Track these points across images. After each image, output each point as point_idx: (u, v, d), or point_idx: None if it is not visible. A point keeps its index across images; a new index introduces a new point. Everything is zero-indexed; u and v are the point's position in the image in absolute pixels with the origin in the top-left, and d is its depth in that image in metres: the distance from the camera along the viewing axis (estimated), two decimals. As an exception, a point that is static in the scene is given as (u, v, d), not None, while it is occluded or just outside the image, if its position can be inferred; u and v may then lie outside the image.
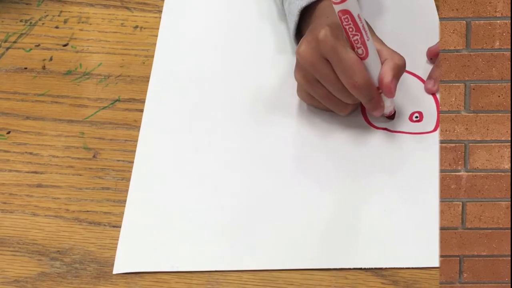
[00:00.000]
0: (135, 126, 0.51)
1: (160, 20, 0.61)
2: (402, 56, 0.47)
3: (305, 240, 0.43)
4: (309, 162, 0.48)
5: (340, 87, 0.45)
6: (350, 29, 0.43)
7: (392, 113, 0.49)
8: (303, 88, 0.49)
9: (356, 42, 0.44)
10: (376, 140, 0.49)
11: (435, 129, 0.49)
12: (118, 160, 0.49)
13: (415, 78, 0.53)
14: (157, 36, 0.59)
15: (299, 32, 0.53)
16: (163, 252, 0.43)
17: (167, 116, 0.52)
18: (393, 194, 0.45)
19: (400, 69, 0.46)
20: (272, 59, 0.56)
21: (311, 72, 0.46)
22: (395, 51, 0.47)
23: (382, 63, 0.46)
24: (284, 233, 0.44)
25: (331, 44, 0.44)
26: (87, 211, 0.46)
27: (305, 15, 0.51)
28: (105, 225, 0.45)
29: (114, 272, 0.42)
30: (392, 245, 0.43)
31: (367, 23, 0.47)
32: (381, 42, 0.48)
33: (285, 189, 0.46)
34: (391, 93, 0.46)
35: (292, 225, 0.44)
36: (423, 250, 0.42)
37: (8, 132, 0.51)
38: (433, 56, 0.56)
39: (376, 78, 0.46)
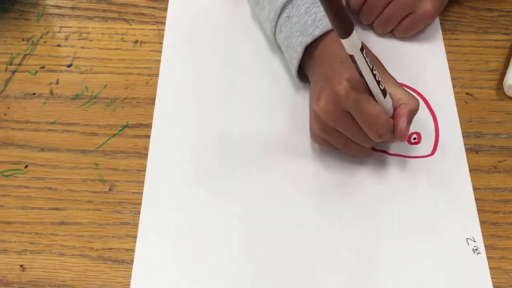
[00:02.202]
0: (145, 154, 0.52)
1: (158, 32, 0.60)
2: (416, 100, 0.45)
3: (306, 270, 0.45)
4: (304, 183, 0.48)
5: (363, 137, 0.44)
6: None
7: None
8: (320, 136, 0.47)
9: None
10: (373, 164, 0.49)
11: (432, 153, 0.49)
12: (134, 193, 0.50)
13: (412, 92, 0.51)
14: (157, 51, 0.58)
15: (300, 67, 0.51)
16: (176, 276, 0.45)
17: (174, 144, 0.51)
18: (389, 223, 0.46)
19: (414, 114, 0.45)
20: (285, 80, 0.55)
21: (332, 125, 0.44)
22: (409, 93, 0.45)
23: (396, 105, 0.44)
24: (289, 264, 0.45)
25: (353, 99, 0.42)
26: (110, 248, 0.47)
27: (307, 50, 0.49)
28: (128, 263, 0.46)
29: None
30: (390, 274, 0.44)
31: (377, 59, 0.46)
32: (394, 81, 0.46)
33: (287, 215, 0.47)
34: (405, 138, 0.44)
35: (294, 256, 0.45)
36: (421, 277, 0.44)
37: (26, 166, 0.52)
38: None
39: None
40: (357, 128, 0.43)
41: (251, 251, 0.46)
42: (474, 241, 0.45)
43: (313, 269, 0.44)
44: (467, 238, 0.45)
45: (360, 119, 0.43)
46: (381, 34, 0.56)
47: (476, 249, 0.45)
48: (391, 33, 0.56)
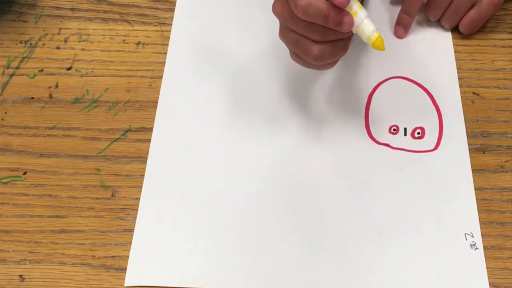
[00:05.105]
0: (149, 158, 0.48)
1: (161, 33, 0.56)
2: None
3: (301, 262, 0.42)
4: (305, 180, 0.45)
5: (300, 22, 0.39)
6: None
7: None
8: (283, 40, 0.43)
9: None
10: (376, 157, 0.46)
11: (435, 148, 0.46)
12: (137, 198, 0.46)
13: (419, 88, 0.49)
14: (160, 53, 0.54)
15: None
16: (172, 270, 0.42)
17: (175, 148, 0.48)
18: (388, 216, 0.43)
19: None
20: (294, 85, 0.51)
21: (282, 23, 0.42)
22: None
23: None
24: (287, 256, 0.42)
25: None
26: (113, 256, 0.43)
27: None
28: (131, 271, 0.43)
29: (126, 284, 0.42)
30: (387, 266, 0.42)
31: None
32: None
33: (287, 210, 0.44)
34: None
35: (292, 249, 0.43)
36: (418, 270, 0.41)
37: (25, 173, 0.48)
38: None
39: None
40: (291, 14, 0.39)
41: (251, 252, 0.43)
42: (472, 237, 0.42)
43: (312, 260, 0.42)
44: (465, 234, 0.43)
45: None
46: (448, 29, 0.54)
47: (474, 245, 0.42)
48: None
